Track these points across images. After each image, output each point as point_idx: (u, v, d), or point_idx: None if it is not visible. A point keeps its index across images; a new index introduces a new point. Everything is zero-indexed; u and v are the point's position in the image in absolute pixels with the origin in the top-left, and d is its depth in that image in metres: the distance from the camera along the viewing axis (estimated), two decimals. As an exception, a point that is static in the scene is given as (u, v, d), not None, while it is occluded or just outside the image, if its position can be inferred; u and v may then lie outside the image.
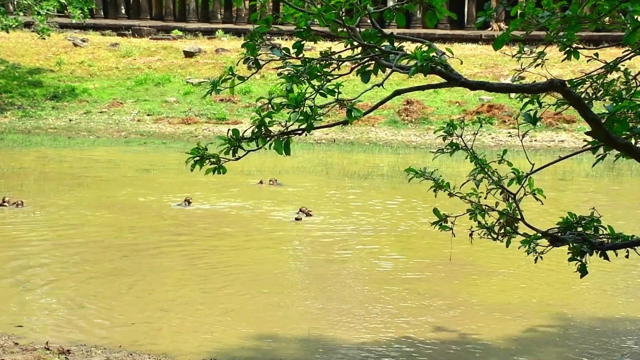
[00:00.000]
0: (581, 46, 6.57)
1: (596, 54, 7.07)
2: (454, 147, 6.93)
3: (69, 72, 37.99)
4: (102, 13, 46.52)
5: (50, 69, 38.14)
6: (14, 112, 34.08)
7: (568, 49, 6.41)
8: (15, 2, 36.08)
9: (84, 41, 41.08)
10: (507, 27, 6.06)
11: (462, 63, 6.49)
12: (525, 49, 6.77)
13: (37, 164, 24.13)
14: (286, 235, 15.87)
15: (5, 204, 17.38)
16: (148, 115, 34.15)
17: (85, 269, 13.06)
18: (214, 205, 18.29)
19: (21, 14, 35.52)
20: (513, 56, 6.78)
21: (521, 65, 6.49)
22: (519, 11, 6.13)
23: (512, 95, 29.40)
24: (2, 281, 12.15)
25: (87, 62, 38.87)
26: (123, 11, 46.98)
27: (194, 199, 18.32)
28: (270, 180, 20.89)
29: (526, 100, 6.24)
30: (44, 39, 35.94)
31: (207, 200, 18.73)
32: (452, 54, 5.73)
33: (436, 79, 5.82)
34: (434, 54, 5.51)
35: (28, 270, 12.84)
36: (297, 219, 16.72)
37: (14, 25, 34.08)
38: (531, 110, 6.08)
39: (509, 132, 30.89)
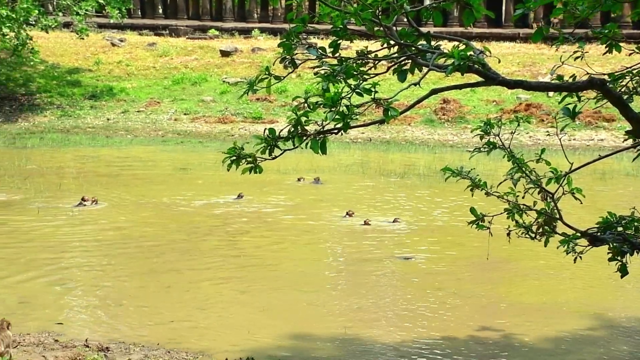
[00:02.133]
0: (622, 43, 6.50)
1: (638, 48, 6.98)
2: (491, 146, 6.88)
3: (106, 71, 38.31)
4: (139, 13, 46.85)
5: (88, 68, 38.49)
6: (53, 111, 34.43)
7: (610, 41, 6.34)
8: (54, 3, 36.45)
9: (121, 41, 41.39)
10: (545, 22, 6.02)
11: (499, 62, 6.44)
12: (564, 47, 6.71)
13: (75, 163, 24.36)
14: (324, 234, 15.88)
15: (85, 202, 17.57)
16: (185, 114, 34.33)
17: (124, 267, 13.16)
18: (252, 204, 18.33)
19: (60, 14, 35.88)
20: (552, 44, 6.69)
21: (560, 59, 6.42)
22: (558, 4, 6.08)
23: (551, 93, 29.17)
24: (42, 280, 12.28)
25: (124, 61, 39.17)
26: (160, 11, 47.27)
27: (228, 197, 18.38)
28: (315, 179, 21.04)
29: (565, 94, 6.16)
30: (83, 39, 36.28)
31: (245, 199, 18.77)
32: (490, 52, 5.69)
33: (473, 78, 5.79)
34: (472, 52, 5.47)
35: (67, 269, 12.97)
36: (347, 214, 16.87)
37: (53, 26, 34.43)
38: (570, 104, 6.01)
39: (547, 131, 30.64)
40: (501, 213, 7.01)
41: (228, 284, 12.32)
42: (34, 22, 33.00)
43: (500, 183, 6.95)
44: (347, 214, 16.97)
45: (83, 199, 17.70)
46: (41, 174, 21.59)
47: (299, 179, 21.19)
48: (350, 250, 14.68)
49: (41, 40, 36.74)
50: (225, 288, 12.08)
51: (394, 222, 16.51)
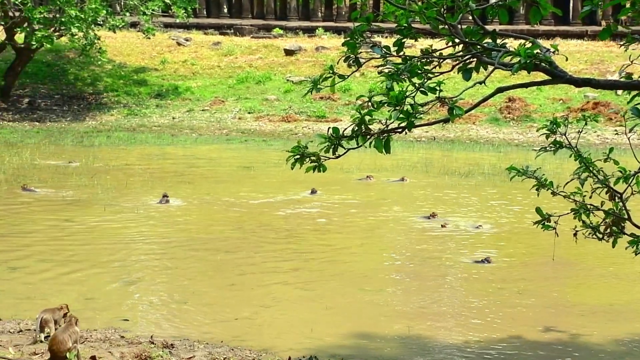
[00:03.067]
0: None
1: None
2: (557, 145, 6.80)
3: (172, 70, 38.73)
4: (204, 12, 47.28)
5: (154, 67, 38.95)
6: (119, 110, 34.93)
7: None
8: (122, 3, 36.96)
9: (187, 40, 41.82)
10: (613, 20, 5.93)
11: (567, 59, 6.36)
12: (634, 45, 6.59)
13: (141, 161, 24.68)
14: (391, 233, 15.85)
15: (166, 198, 17.86)
16: (249, 113, 34.54)
17: (188, 265, 13.30)
18: (319, 202, 18.37)
19: (127, 14, 36.36)
20: (621, 45, 6.59)
21: (630, 57, 6.31)
22: (627, 3, 5.98)
23: (619, 92, 28.69)
24: (108, 277, 12.47)
25: (190, 60, 39.56)
26: (225, 10, 47.63)
27: (292, 196, 18.45)
28: (401, 178, 21.18)
29: (634, 93, 6.06)
30: (149, 38, 36.72)
31: (314, 196, 18.82)
32: (557, 50, 5.62)
33: (540, 76, 5.73)
34: (538, 50, 5.41)
35: (132, 267, 13.15)
36: (430, 216, 16.60)
37: (120, 26, 34.88)
38: (639, 103, 5.91)
39: (616, 130, 30.10)
40: (568, 213, 6.93)
41: (292, 281, 12.37)
42: (102, 22, 33.49)
43: (567, 183, 6.87)
44: (431, 215, 16.62)
45: (165, 196, 17.96)
46: (108, 172, 21.93)
47: (367, 177, 21.22)
48: (413, 249, 14.62)
49: (109, 40, 37.28)
50: (289, 286, 12.13)
51: (455, 221, 16.38)
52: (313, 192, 19.13)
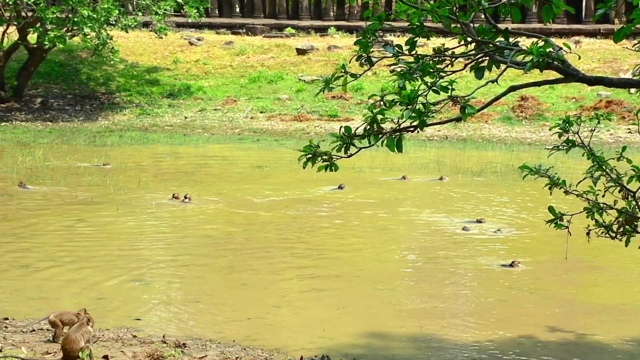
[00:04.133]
0: None
1: None
2: (570, 144, 6.79)
3: (184, 70, 38.79)
4: (216, 12, 47.32)
5: (166, 67, 39.03)
6: (132, 110, 35.01)
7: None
8: (134, 3, 37.02)
9: (199, 40, 41.88)
10: (627, 20, 5.90)
11: (579, 58, 6.34)
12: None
13: (153, 161, 24.73)
14: (400, 232, 15.84)
15: (179, 198, 17.90)
16: (261, 112, 34.56)
17: (201, 264, 13.32)
18: (335, 201, 18.38)
19: (140, 14, 36.43)
20: (635, 44, 6.57)
21: (642, 59, 6.29)
22: None
23: (632, 90, 28.56)
24: (120, 276, 12.50)
25: (202, 60, 39.61)
26: (237, 10, 47.66)
27: (301, 195, 18.46)
28: (440, 177, 21.24)
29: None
30: (161, 38, 36.78)
31: (323, 196, 18.83)
32: (570, 49, 5.60)
33: (552, 75, 5.71)
34: (551, 49, 5.40)
35: (144, 266, 13.18)
36: (464, 228, 15.89)
37: (132, 25, 34.95)
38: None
39: (629, 129, 30.03)
40: (580, 212, 6.91)
41: (305, 281, 12.38)
42: (114, 22, 33.55)
43: (580, 181, 6.85)
44: (478, 221, 16.20)
45: (174, 196, 18.00)
46: (121, 171, 21.98)
47: (403, 177, 21.17)
48: (426, 249, 14.60)
49: (121, 40, 37.37)
50: (301, 285, 12.14)
51: (467, 221, 16.34)
52: (340, 187, 19.34)
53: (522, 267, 12.94)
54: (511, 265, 13.00)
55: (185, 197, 17.94)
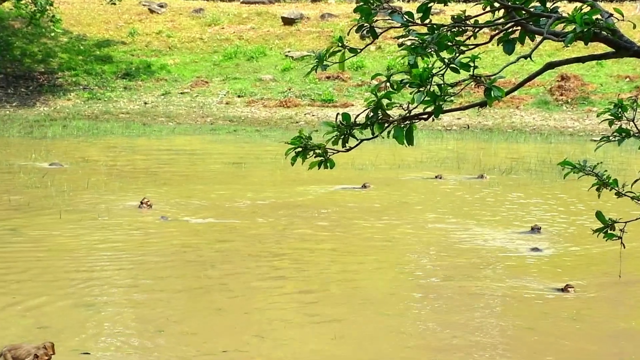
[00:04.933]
0: None
1: None
2: (623, 135, 6.78)
3: (143, 44, 38.81)
4: (183, -28, 47.38)
5: (121, 40, 39.03)
6: (78, 93, 35.01)
7: None
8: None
9: (161, 6, 41.89)
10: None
11: (634, 27, 6.34)
12: None
13: (106, 157, 24.73)
14: (409, 246, 15.84)
15: (144, 205, 17.82)
16: (238, 96, 34.60)
17: (165, 284, 13.30)
18: (322, 206, 18.39)
19: (87, -26, 36.48)
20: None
21: None
22: None
23: (698, 67, 28.63)
24: (66, 300, 12.46)
25: (165, 32, 39.63)
26: (208, -31, 47.74)
27: (288, 198, 18.46)
28: (480, 175, 21.44)
29: None
30: (115, 4, 36.82)
31: (314, 200, 18.85)
32: (622, 15, 5.60)
33: (600, 48, 5.71)
34: (598, 16, 5.39)
35: (95, 286, 13.15)
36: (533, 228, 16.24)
37: (78, -11, 35.03)
38: None
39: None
40: (637, 219, 6.91)
41: (293, 305, 12.37)
42: (55, -15, 33.60)
43: (636, 181, 6.85)
44: (532, 228, 16.36)
45: (143, 202, 17.91)
46: (64, 170, 21.94)
47: (437, 176, 21.21)
48: (443, 266, 14.60)
49: (64, 7, 37.42)
50: (289, 310, 12.13)
51: (494, 231, 16.38)
52: (365, 186, 19.99)
53: (573, 292, 12.77)
54: (564, 289, 12.83)
55: (143, 203, 17.89)
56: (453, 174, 21.89)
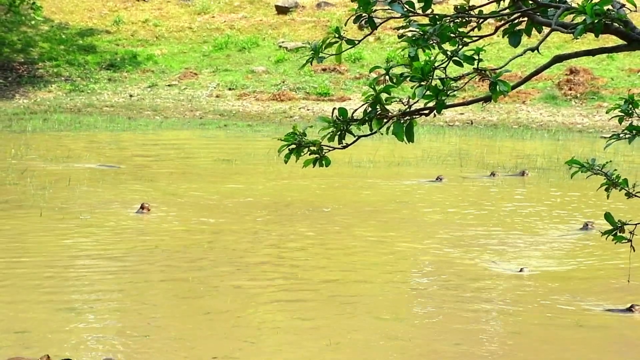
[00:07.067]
0: None
1: None
2: (634, 132, 6.80)
3: (129, 33, 38.77)
4: (171, -43, 47.33)
5: (105, 29, 38.98)
6: (60, 85, 34.97)
7: None
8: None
9: (148, -6, 41.88)
10: None
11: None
12: None
13: (89, 152, 24.70)
14: (411, 250, 15.85)
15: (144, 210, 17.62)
16: (229, 89, 34.58)
17: (150, 287, 13.30)
18: (322, 205, 18.39)
19: (70, -41, 36.45)
20: None
21: None
22: None
23: None
24: (46, 304, 12.46)
25: (152, 20, 39.60)
26: (198, -45, 47.70)
27: (281, 198, 18.46)
28: (492, 173, 21.61)
29: None
30: (99, -9, 36.75)
31: (308, 200, 18.84)
32: (635, 6, 5.61)
33: (611, 41, 5.72)
34: (610, 6, 5.41)
35: (77, 290, 13.15)
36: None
37: (60, -25, 34.98)
38: None
39: None
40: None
41: (286, 309, 12.37)
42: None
43: (646, 181, 6.87)
44: (586, 224, 16.14)
45: (143, 207, 17.65)
46: (44, 167, 21.92)
47: (437, 178, 21.21)
48: (449, 271, 14.61)
49: (45, -7, 37.34)
50: (282, 314, 12.13)
51: (499, 232, 16.41)
52: (439, 179, 20.57)
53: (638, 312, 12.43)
54: (629, 309, 12.44)
55: (143, 208, 17.51)
56: (453, 172, 21.91)
